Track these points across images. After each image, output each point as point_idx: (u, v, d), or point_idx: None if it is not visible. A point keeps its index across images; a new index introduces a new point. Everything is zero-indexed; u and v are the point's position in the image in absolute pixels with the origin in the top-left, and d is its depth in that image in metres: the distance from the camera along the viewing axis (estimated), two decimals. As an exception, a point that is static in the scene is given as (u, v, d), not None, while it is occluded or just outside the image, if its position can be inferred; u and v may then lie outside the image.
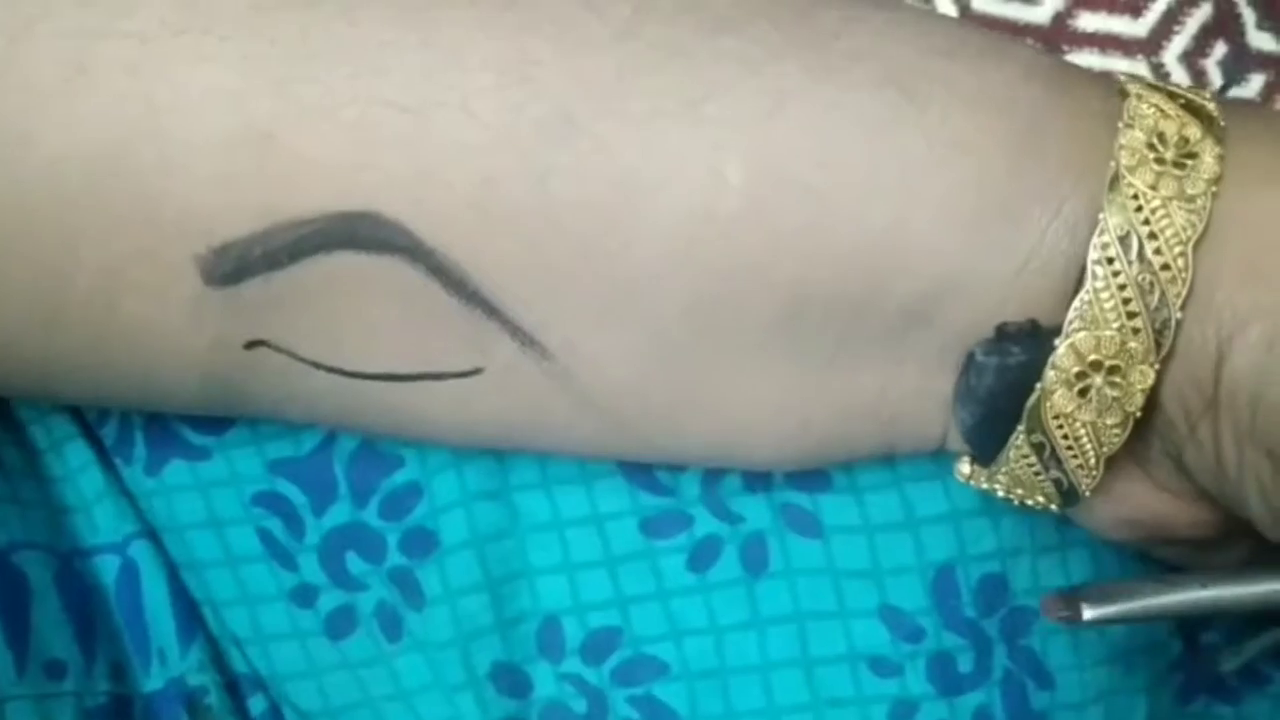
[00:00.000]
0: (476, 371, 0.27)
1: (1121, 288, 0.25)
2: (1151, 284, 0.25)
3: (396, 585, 0.32)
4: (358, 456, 0.32)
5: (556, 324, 0.27)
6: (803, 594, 0.32)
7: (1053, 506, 0.28)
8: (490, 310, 0.27)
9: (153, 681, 0.33)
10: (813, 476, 0.32)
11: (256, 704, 0.34)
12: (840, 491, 0.32)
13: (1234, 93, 0.42)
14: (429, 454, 0.32)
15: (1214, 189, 0.25)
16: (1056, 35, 0.52)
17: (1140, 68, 0.51)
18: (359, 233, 0.26)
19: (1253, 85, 0.46)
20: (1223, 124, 0.26)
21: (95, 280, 0.26)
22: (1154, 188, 0.25)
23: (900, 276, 0.26)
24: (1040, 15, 0.52)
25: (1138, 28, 0.51)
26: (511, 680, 0.32)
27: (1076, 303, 0.25)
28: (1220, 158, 0.26)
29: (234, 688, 0.34)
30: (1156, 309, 0.25)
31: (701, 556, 0.32)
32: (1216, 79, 0.52)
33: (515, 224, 0.26)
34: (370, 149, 0.25)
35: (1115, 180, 0.25)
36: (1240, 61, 0.51)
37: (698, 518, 0.32)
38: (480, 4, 0.26)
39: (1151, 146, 0.26)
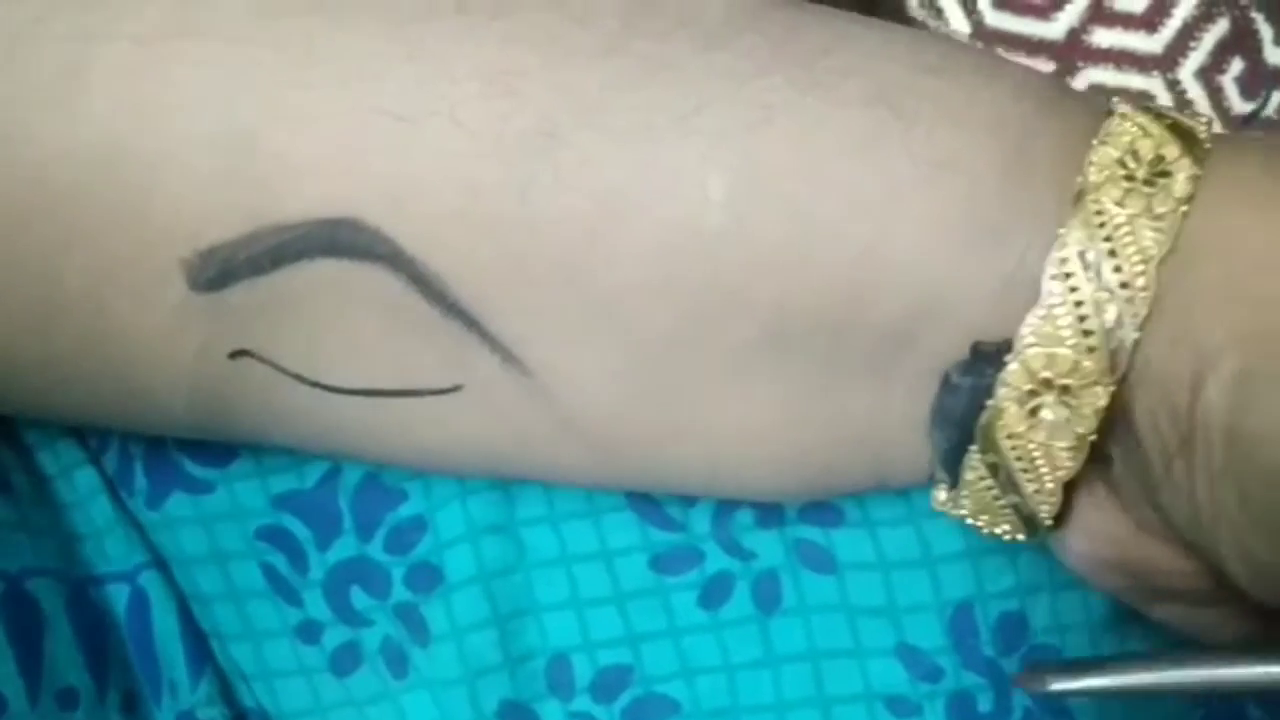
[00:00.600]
0: (456, 388, 0.27)
1: (1078, 304, 0.24)
2: (1109, 303, 0.24)
3: (402, 621, 0.32)
4: (362, 490, 0.32)
5: (536, 340, 0.27)
6: (817, 632, 0.32)
7: (1020, 536, 0.28)
8: (470, 323, 0.26)
9: (164, 714, 0.33)
10: (826, 511, 0.32)
11: None
12: (854, 526, 0.31)
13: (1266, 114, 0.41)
14: (434, 487, 0.32)
15: (1184, 208, 0.24)
16: (1071, 51, 0.51)
17: (1156, 84, 0.51)
18: (340, 239, 0.26)
19: (1271, 103, 0.46)
20: (1207, 146, 0.25)
21: (85, 283, 0.27)
22: (1120, 204, 0.24)
23: (883, 295, 0.26)
24: (1055, 31, 0.51)
25: (1153, 44, 0.51)
26: (520, 718, 0.32)
27: (1030, 319, 0.25)
28: (1194, 178, 0.25)
29: (243, 720, 0.34)
30: (1113, 329, 0.24)
31: (713, 593, 0.32)
32: (1233, 95, 0.51)
33: (497, 235, 0.26)
34: (356, 155, 0.26)
35: (1080, 196, 0.25)
36: (1257, 77, 0.50)
37: (709, 554, 0.32)
38: (469, 14, 0.26)
39: (1122, 163, 0.25)
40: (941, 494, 0.28)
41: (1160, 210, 0.24)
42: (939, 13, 0.53)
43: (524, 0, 0.26)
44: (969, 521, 0.28)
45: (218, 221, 0.26)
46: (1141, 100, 0.30)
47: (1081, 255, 0.24)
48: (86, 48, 0.25)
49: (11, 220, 0.26)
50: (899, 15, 0.54)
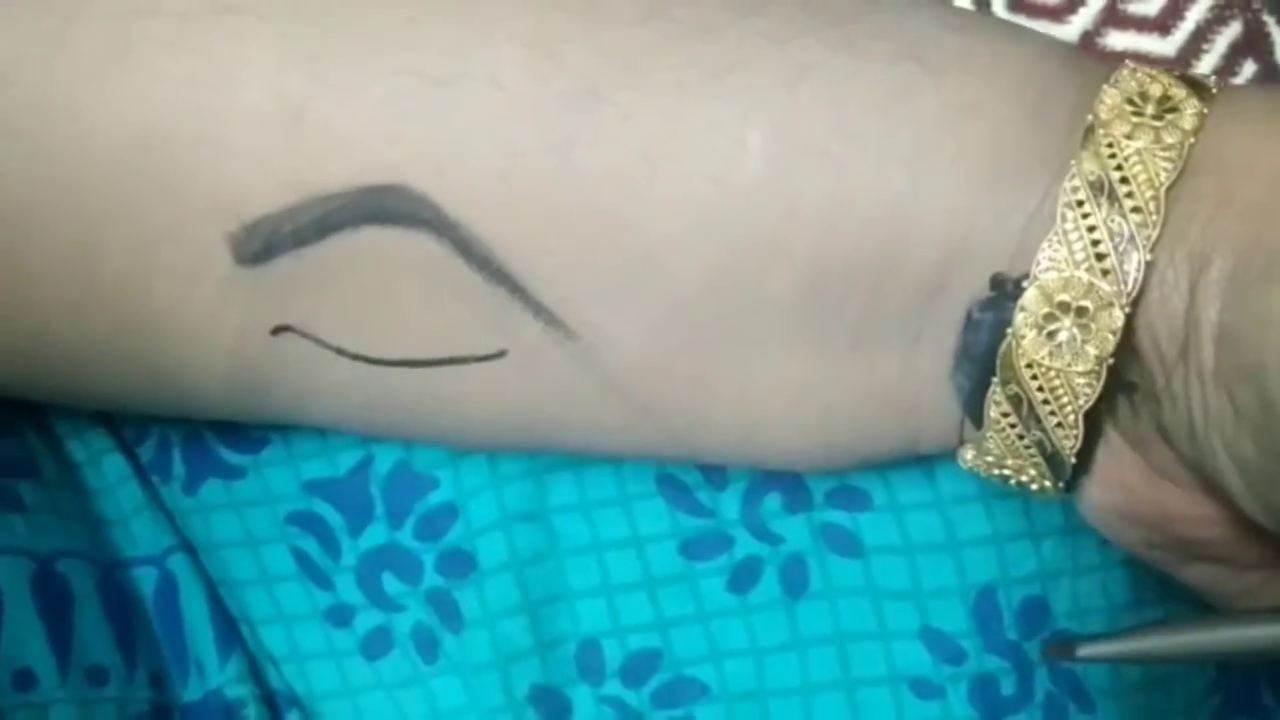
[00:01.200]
0: (500, 354, 0.27)
1: (1091, 229, 0.25)
2: (1122, 226, 0.25)
3: (434, 607, 0.33)
4: (393, 477, 0.32)
5: (578, 301, 0.27)
6: (843, 615, 0.32)
7: (1046, 483, 0.28)
8: (513, 287, 0.27)
9: (191, 692, 0.33)
10: (853, 495, 0.32)
11: None
12: (881, 511, 0.32)
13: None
14: (464, 475, 0.32)
15: (1191, 139, 0.25)
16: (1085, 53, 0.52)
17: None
18: (386, 206, 0.26)
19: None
20: (1213, 90, 0.27)
21: (126, 260, 0.27)
22: (1129, 137, 0.25)
23: (916, 243, 0.26)
24: (1069, 33, 0.52)
25: (1166, 46, 0.52)
26: (551, 703, 0.32)
27: (1045, 245, 0.25)
28: (1201, 114, 0.26)
29: (271, 702, 0.34)
30: (1125, 250, 0.25)
31: (742, 578, 0.32)
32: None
33: (539, 195, 0.26)
34: (398, 122, 0.26)
35: (1090, 131, 0.26)
36: (1270, 79, 0.51)
37: (738, 539, 0.32)
38: None
39: (1131, 103, 0.26)
40: (969, 453, 0.28)
41: (1169, 140, 0.25)
42: (954, 12, 0.54)
43: None
44: (995, 473, 0.28)
45: (262, 194, 0.26)
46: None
47: (1092, 184, 0.25)
48: (132, 25, 0.26)
49: (54, 195, 0.26)
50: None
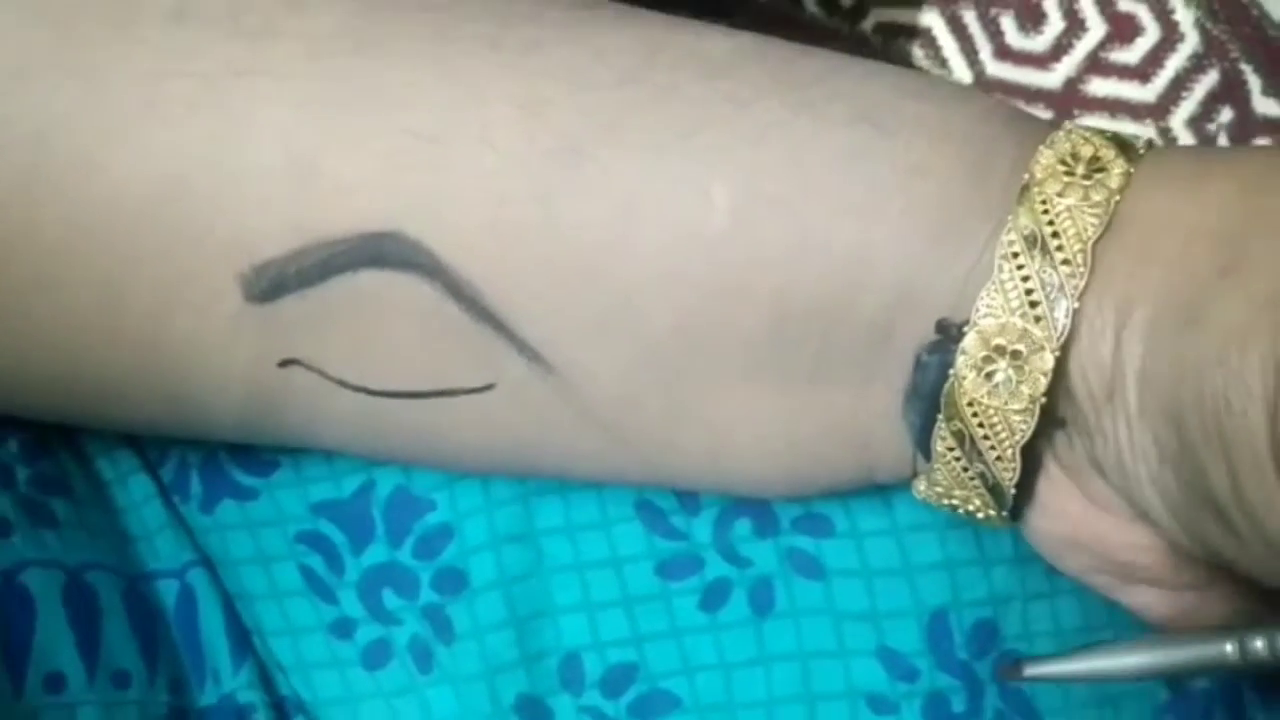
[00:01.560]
0: (488, 388, 0.29)
1: (1025, 279, 0.27)
2: (1053, 276, 0.27)
3: (429, 621, 0.34)
4: (394, 500, 0.34)
5: (559, 339, 0.29)
6: (806, 634, 0.34)
7: (991, 512, 0.30)
8: (500, 326, 0.29)
9: (207, 697, 0.35)
10: (817, 522, 0.34)
11: None
12: (842, 537, 0.34)
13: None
14: (460, 498, 0.34)
15: (1117, 197, 0.28)
16: (1068, 100, 0.54)
17: (1148, 132, 0.53)
18: (384, 251, 0.28)
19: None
20: (1141, 152, 0.29)
21: (150, 299, 0.29)
22: (1061, 195, 0.28)
23: (868, 289, 0.28)
24: (1052, 81, 0.54)
25: (1146, 93, 0.53)
26: (534, 712, 0.34)
27: (984, 293, 0.28)
28: (1127, 173, 0.28)
29: (280, 708, 0.36)
30: (1055, 299, 0.27)
31: (712, 597, 0.34)
32: (1223, 143, 0.53)
33: (525, 242, 0.28)
34: (397, 175, 0.28)
35: (1025, 189, 0.28)
36: (1246, 126, 0.52)
37: (709, 561, 0.34)
38: (502, 51, 0.29)
39: (1064, 163, 0.28)
40: (922, 484, 0.31)
41: (1096, 199, 0.28)
42: (943, 63, 0.55)
43: (551, 39, 0.29)
44: (945, 502, 0.30)
45: (271, 238, 0.28)
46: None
47: (1026, 237, 0.27)
48: (158, 86, 0.28)
49: (87, 242, 0.28)
50: (905, 63, 0.56)
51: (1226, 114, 0.53)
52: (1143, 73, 0.52)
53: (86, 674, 0.32)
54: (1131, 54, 0.53)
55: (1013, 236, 0.27)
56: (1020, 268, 0.27)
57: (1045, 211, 0.27)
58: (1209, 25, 0.52)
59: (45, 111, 0.28)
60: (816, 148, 0.28)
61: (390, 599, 0.35)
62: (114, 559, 0.35)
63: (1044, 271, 0.27)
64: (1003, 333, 0.28)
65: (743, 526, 0.34)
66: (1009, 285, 0.27)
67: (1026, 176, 0.28)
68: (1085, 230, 0.27)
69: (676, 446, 0.31)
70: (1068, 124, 0.29)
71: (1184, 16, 0.52)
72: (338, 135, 0.28)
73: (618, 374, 0.29)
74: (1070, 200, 0.28)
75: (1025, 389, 0.28)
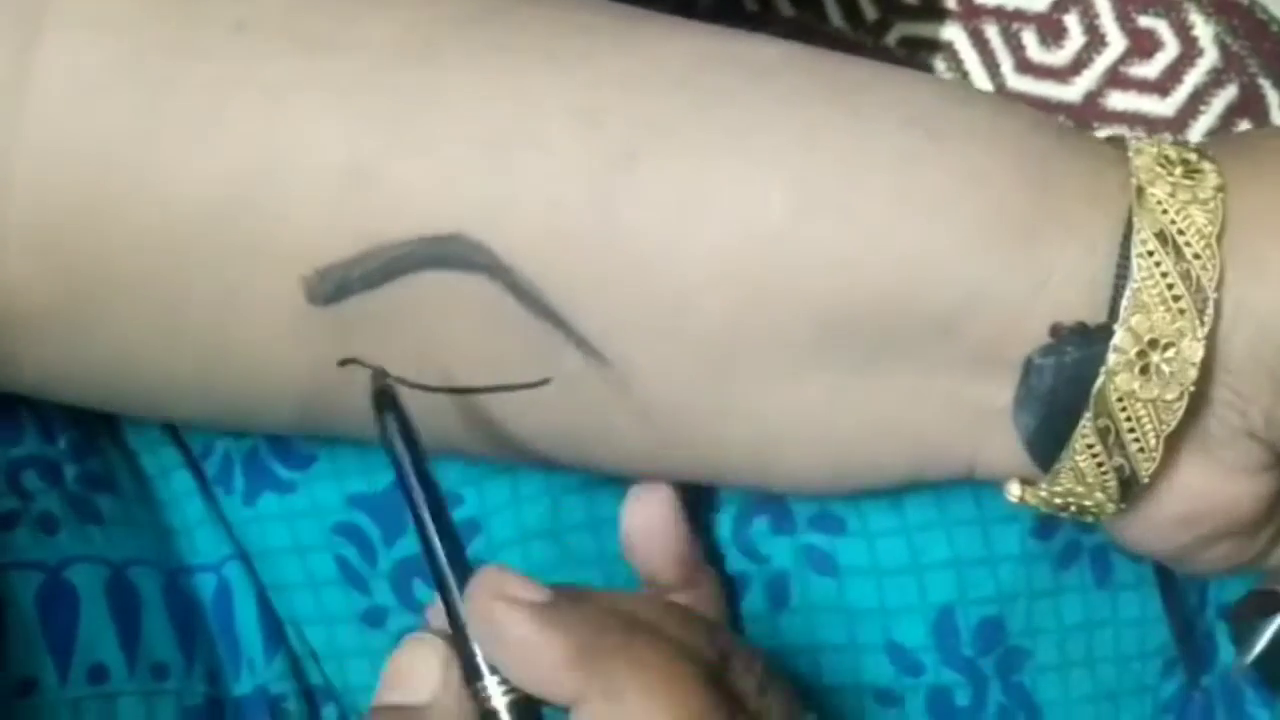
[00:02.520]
0: (545, 382, 0.30)
1: (1164, 275, 0.28)
2: (1188, 271, 0.28)
3: None
4: None
5: (615, 335, 0.30)
6: (819, 628, 0.35)
7: (1109, 507, 0.30)
8: (558, 322, 0.29)
9: (242, 686, 0.36)
10: (831, 521, 0.35)
11: (329, 713, 0.37)
12: (854, 535, 0.35)
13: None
14: (488, 494, 0.36)
15: (1222, 194, 0.29)
16: (1087, 113, 0.55)
17: (1166, 146, 0.54)
18: (447, 253, 0.29)
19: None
20: (1210, 153, 0.30)
21: (214, 300, 0.29)
22: (1172, 195, 0.29)
23: (927, 293, 0.29)
24: (1072, 94, 0.55)
25: (1165, 107, 0.54)
26: None
27: (1128, 292, 0.28)
28: (1219, 171, 0.29)
29: (310, 696, 0.37)
30: (1196, 291, 0.28)
31: (731, 591, 0.35)
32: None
33: (582, 243, 0.29)
34: (458, 180, 0.29)
35: (1140, 192, 0.29)
36: (1263, 140, 0.53)
37: (728, 556, 0.35)
38: (558, 61, 0.29)
39: (1161, 165, 0.29)
40: (1016, 488, 0.31)
41: (1203, 196, 0.29)
42: (965, 76, 0.56)
43: (604, 48, 0.30)
44: (1056, 502, 0.31)
45: (333, 244, 0.29)
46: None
47: (1158, 235, 0.28)
48: (221, 95, 0.29)
49: (149, 251, 0.29)
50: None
51: (1245, 128, 0.53)
52: (1162, 87, 0.53)
53: (127, 665, 0.33)
54: (1151, 68, 0.54)
55: (1145, 235, 0.28)
56: (1158, 264, 0.28)
57: (1165, 212, 0.28)
58: (1228, 40, 0.53)
59: (111, 125, 0.28)
60: (869, 151, 0.29)
61: (421, 589, 0.36)
62: (155, 553, 0.36)
63: (1180, 267, 0.28)
64: (1153, 328, 0.28)
65: (761, 524, 0.35)
66: (1149, 283, 0.28)
67: (1134, 180, 0.29)
68: (1205, 226, 0.28)
69: (722, 438, 0.31)
70: (1123, 134, 0.30)
71: (1203, 32, 0.53)
72: (399, 143, 0.29)
73: (671, 369, 0.30)
74: (1182, 198, 0.29)
75: (1178, 379, 0.28)
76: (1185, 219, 0.28)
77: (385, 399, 0.28)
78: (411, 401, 0.29)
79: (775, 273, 0.29)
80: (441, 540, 0.28)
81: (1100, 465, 0.29)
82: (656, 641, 0.26)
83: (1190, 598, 0.37)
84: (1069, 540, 0.36)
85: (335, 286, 0.29)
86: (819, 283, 0.29)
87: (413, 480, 0.28)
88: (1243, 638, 0.33)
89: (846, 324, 0.29)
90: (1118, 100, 0.53)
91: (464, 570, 0.28)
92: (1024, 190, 0.29)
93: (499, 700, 0.27)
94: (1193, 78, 0.54)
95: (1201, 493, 0.30)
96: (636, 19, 0.31)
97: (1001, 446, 0.30)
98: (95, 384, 0.31)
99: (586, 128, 0.29)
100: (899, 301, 0.29)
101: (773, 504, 0.35)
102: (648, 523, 0.33)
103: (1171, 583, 0.37)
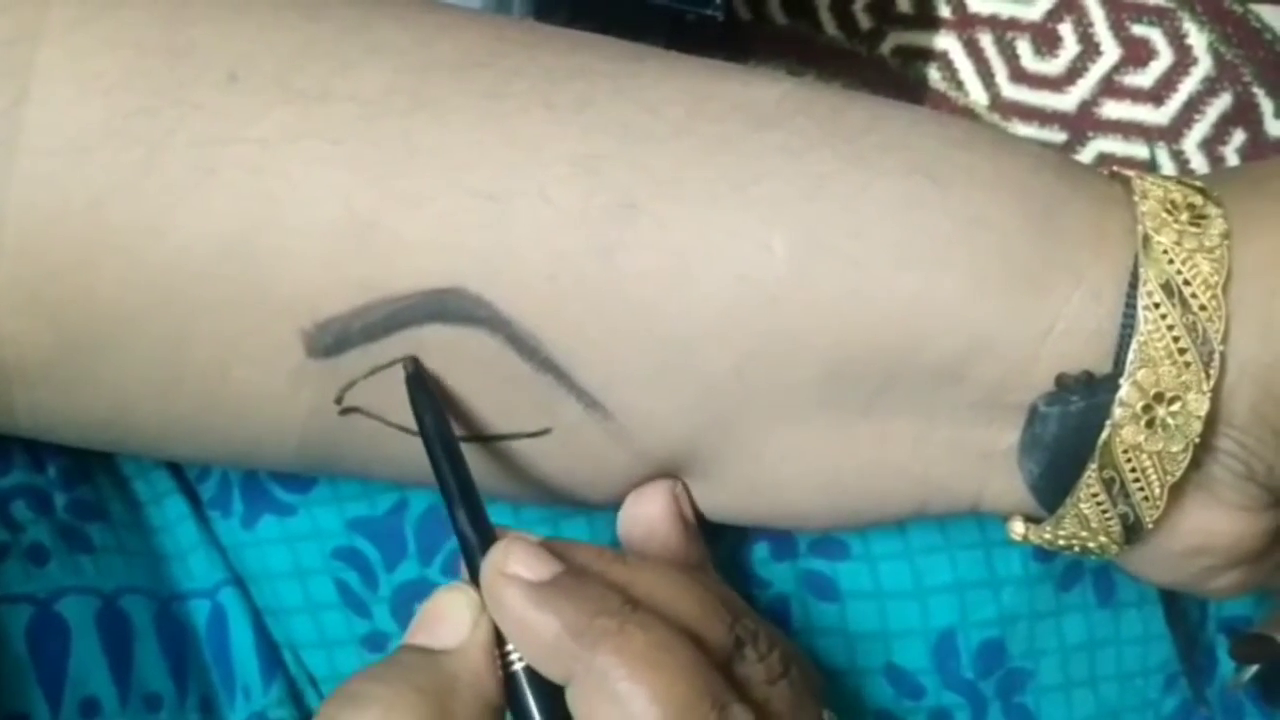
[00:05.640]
0: (545, 432, 0.30)
1: (1170, 328, 0.28)
2: (1194, 323, 0.28)
3: None
4: (425, 518, 0.36)
5: (616, 386, 0.29)
6: (819, 652, 0.35)
7: (1114, 548, 0.30)
8: (559, 375, 0.29)
9: (237, 714, 0.36)
10: (833, 546, 0.35)
11: None
12: (857, 560, 0.35)
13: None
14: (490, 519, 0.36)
15: (1228, 241, 0.28)
16: (1082, 122, 0.55)
17: (1161, 154, 0.54)
18: (446, 306, 0.29)
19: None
20: (1214, 194, 0.29)
21: (209, 352, 0.29)
22: (1178, 244, 0.28)
23: (931, 338, 0.29)
24: (1067, 103, 0.55)
25: (1159, 116, 0.54)
26: None
27: (1134, 345, 0.28)
28: (1223, 217, 0.29)
29: (309, 723, 0.37)
30: (1202, 344, 0.28)
31: None
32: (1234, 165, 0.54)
33: (583, 294, 0.29)
34: (458, 232, 0.28)
35: (1146, 240, 0.28)
36: (1257, 148, 0.53)
37: (727, 581, 0.35)
38: (556, 109, 0.29)
39: (1168, 211, 0.29)
40: (1019, 525, 0.31)
41: (1209, 245, 0.28)
42: (960, 85, 0.56)
43: (602, 94, 0.29)
44: (1060, 544, 0.31)
45: (333, 296, 0.29)
46: (1145, 169, 0.33)
47: (1164, 286, 0.28)
48: (216, 151, 0.28)
49: (148, 299, 0.29)
50: (922, 86, 0.57)
51: (1239, 137, 0.53)
52: (1156, 95, 0.53)
53: (119, 697, 0.33)
54: (1145, 77, 0.54)
55: (1151, 287, 0.28)
56: (1164, 317, 0.28)
57: (1171, 261, 0.28)
58: (1222, 49, 0.53)
59: (103, 181, 0.28)
60: (871, 198, 0.29)
61: None
62: (148, 581, 0.36)
63: (1186, 319, 0.28)
64: (1159, 382, 0.28)
65: (761, 550, 0.35)
66: (1155, 336, 0.28)
67: (1141, 228, 0.29)
68: (1210, 276, 0.28)
69: (724, 481, 0.31)
70: (1128, 173, 0.30)
71: (1198, 41, 0.53)
72: (397, 195, 0.29)
73: (672, 417, 0.30)
74: (1189, 246, 0.28)
75: (1183, 432, 0.28)
76: (1192, 268, 0.28)
77: (416, 381, 0.29)
78: (410, 448, 0.29)
79: (779, 321, 0.29)
80: (467, 511, 0.28)
81: (1105, 512, 0.29)
82: (652, 624, 0.27)
83: (1192, 613, 0.37)
84: (1071, 561, 0.36)
85: (335, 339, 0.29)
86: (822, 331, 0.29)
87: (439, 450, 0.29)
88: (1239, 667, 0.34)
89: (849, 371, 0.29)
90: (1112, 109, 0.54)
91: (488, 538, 0.28)
92: (1028, 235, 0.29)
93: (519, 666, 0.27)
94: (1187, 86, 0.54)
95: (1205, 530, 0.30)
96: (633, 59, 0.30)
97: (1005, 486, 0.30)
98: (91, 429, 0.31)
99: (585, 176, 0.29)
100: (903, 349, 0.29)
101: (773, 531, 0.35)
102: (649, 522, 0.32)
103: (1174, 599, 0.37)
